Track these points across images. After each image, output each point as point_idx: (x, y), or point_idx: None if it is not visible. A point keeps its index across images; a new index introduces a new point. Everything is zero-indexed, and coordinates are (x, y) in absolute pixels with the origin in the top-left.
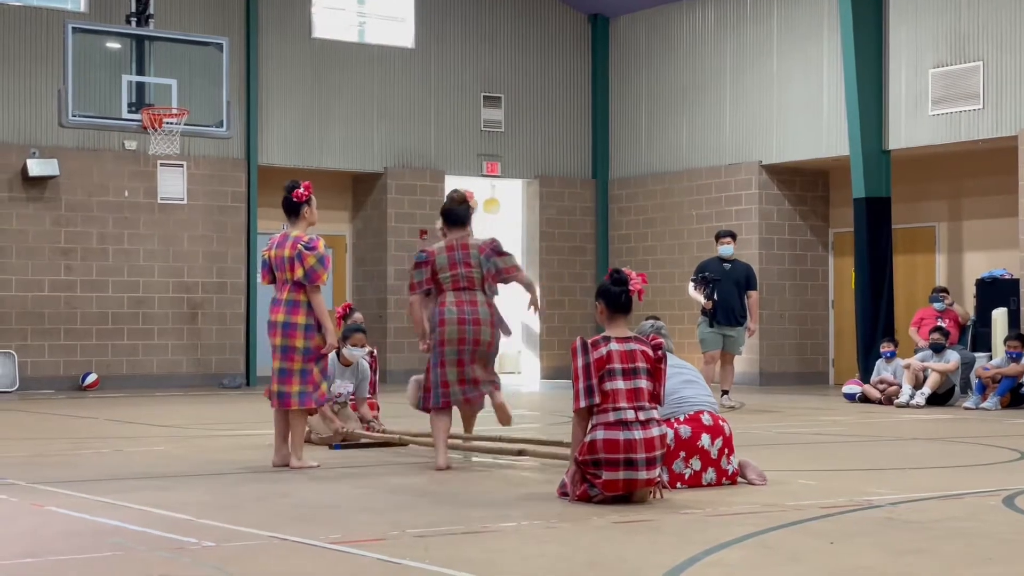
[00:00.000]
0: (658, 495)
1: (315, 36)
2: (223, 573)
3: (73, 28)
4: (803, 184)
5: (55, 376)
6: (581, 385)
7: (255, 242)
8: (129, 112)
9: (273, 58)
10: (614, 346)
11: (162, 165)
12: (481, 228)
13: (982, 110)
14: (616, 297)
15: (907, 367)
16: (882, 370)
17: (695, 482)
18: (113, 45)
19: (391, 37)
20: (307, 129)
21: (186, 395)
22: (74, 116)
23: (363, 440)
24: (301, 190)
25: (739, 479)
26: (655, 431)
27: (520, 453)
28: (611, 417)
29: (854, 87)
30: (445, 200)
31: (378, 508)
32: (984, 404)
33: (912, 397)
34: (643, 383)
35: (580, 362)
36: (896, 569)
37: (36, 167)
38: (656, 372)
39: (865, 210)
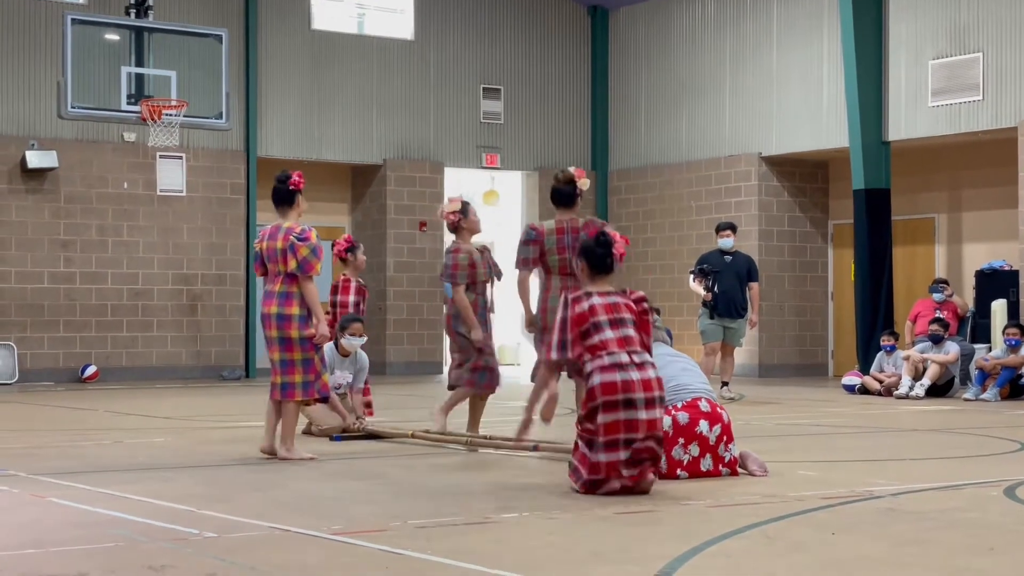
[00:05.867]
0: (654, 476)
1: (314, 28)
2: (225, 564)
3: (72, 20)
4: (803, 176)
5: (54, 368)
6: (556, 337)
7: (254, 234)
8: (128, 104)
9: (272, 50)
10: (596, 300)
11: (161, 157)
12: (480, 220)
13: (982, 101)
14: (600, 259)
15: (907, 358)
16: (883, 363)
17: (693, 468)
18: (112, 37)
19: (390, 29)
20: (306, 121)
21: (186, 387)
22: (73, 108)
23: (364, 432)
24: (296, 178)
25: (740, 470)
26: (651, 373)
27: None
28: (606, 360)
29: (854, 78)
30: (553, 180)
31: (379, 499)
32: (984, 395)
33: (912, 388)
34: (631, 332)
35: (559, 315)
36: (897, 560)
37: (35, 159)
38: (642, 323)
39: (865, 201)
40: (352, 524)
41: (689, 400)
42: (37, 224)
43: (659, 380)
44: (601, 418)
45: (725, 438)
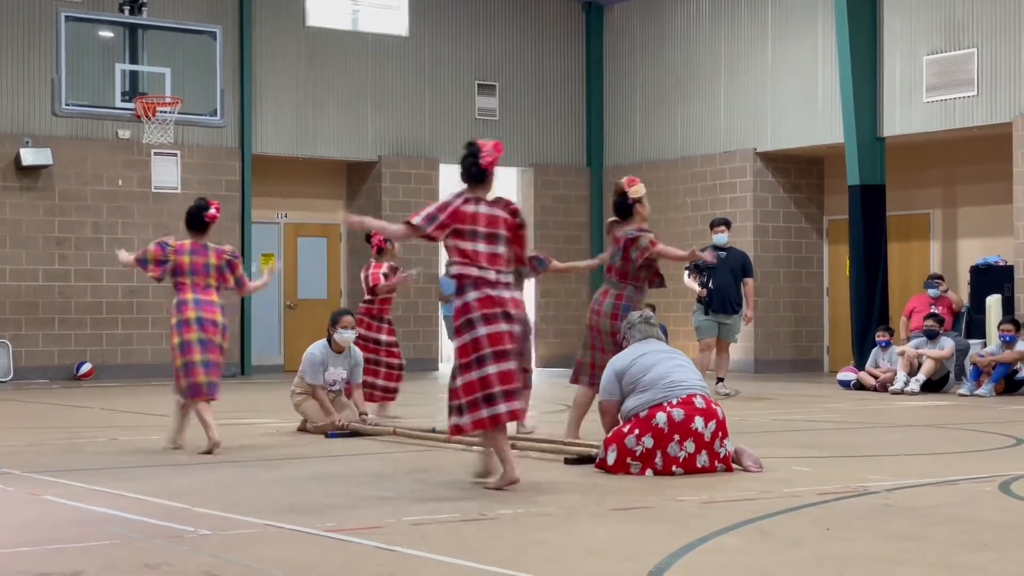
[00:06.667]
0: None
1: (309, 24)
2: (221, 561)
3: (66, 17)
4: (798, 171)
5: (49, 366)
6: (431, 211)
7: (249, 231)
8: (123, 101)
9: (267, 47)
10: (483, 208)
11: (156, 154)
12: None
13: (976, 97)
14: (466, 168)
15: (902, 354)
16: (878, 359)
17: (689, 464)
18: (106, 34)
19: (385, 25)
20: (301, 118)
21: None
22: (67, 105)
23: (359, 430)
24: (213, 211)
25: (735, 466)
26: (517, 292)
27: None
28: (474, 271)
29: (848, 74)
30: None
31: (374, 496)
32: (979, 390)
33: (907, 384)
34: (501, 249)
35: (448, 199)
36: (892, 555)
37: (29, 156)
38: (516, 237)
39: (860, 197)
40: (347, 521)
41: (684, 396)
42: (31, 222)
43: (521, 301)
44: (485, 329)
45: (720, 434)
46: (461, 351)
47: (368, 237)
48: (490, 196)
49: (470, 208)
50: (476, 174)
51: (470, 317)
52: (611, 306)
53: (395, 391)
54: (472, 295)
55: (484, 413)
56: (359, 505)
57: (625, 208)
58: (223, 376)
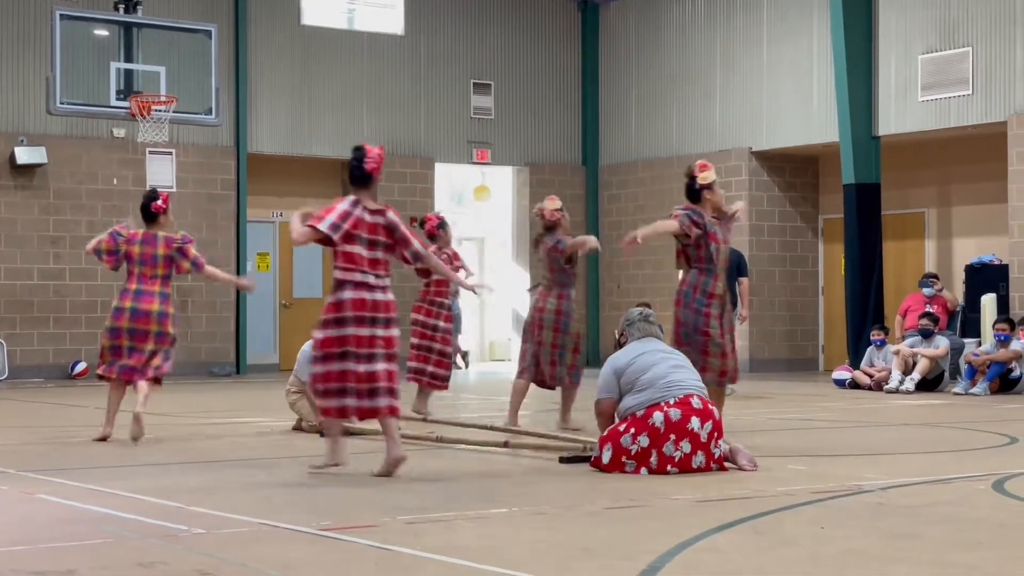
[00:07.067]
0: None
1: (304, 23)
2: (215, 560)
3: (61, 15)
4: (793, 170)
5: (44, 364)
6: (335, 220)
7: (245, 230)
8: (117, 99)
9: (262, 45)
10: (367, 216)
11: (151, 153)
12: (471, 216)
13: (971, 96)
14: (351, 170)
15: (897, 353)
16: (873, 357)
17: (685, 465)
18: (101, 32)
19: (381, 24)
20: (296, 116)
21: (176, 383)
22: (62, 103)
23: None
24: (160, 202)
25: (729, 465)
26: (390, 295)
27: (504, 444)
28: (357, 276)
29: (844, 73)
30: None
31: (368, 495)
32: (974, 389)
33: (902, 383)
34: (380, 255)
35: (347, 207)
36: (886, 553)
37: (24, 155)
38: (397, 241)
39: (855, 196)
40: (341, 520)
41: (681, 397)
42: (26, 220)
43: (395, 303)
44: (354, 330)
45: (716, 435)
46: (325, 343)
47: (422, 222)
48: (373, 204)
49: (358, 213)
50: (359, 177)
51: (343, 315)
52: (677, 293)
53: (445, 379)
54: (348, 294)
55: (334, 403)
56: (354, 504)
57: (694, 193)
58: (169, 364)
